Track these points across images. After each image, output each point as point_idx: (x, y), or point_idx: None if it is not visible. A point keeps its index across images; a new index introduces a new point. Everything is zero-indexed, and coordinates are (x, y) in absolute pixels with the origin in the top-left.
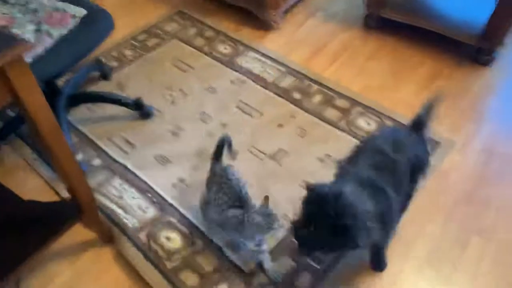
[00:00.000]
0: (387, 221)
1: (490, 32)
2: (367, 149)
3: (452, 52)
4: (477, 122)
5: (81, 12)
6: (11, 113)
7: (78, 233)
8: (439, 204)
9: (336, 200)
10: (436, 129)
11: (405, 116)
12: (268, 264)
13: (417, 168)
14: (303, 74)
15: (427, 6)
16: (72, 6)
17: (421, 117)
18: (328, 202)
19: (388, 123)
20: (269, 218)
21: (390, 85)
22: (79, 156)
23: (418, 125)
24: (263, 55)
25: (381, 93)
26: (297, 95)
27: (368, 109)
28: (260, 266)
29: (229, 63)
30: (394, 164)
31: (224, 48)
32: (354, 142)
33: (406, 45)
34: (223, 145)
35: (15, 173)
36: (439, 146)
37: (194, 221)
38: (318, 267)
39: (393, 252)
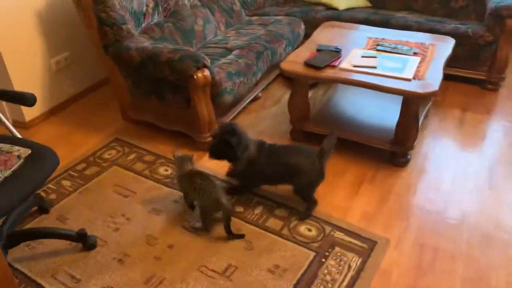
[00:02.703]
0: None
1: (399, 138)
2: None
3: (371, 158)
4: (405, 219)
5: (26, 152)
6: None
7: None
8: None
9: (229, 126)
10: (371, 230)
11: (342, 220)
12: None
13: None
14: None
15: (345, 119)
16: (16, 146)
17: (324, 148)
18: (224, 126)
19: (328, 228)
20: None
21: (323, 192)
22: None
23: (322, 153)
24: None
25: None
26: (239, 208)
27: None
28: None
29: (171, 183)
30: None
31: (165, 170)
32: (300, 249)
33: (332, 155)
34: None
35: None
36: (376, 246)
37: None
38: None
39: None
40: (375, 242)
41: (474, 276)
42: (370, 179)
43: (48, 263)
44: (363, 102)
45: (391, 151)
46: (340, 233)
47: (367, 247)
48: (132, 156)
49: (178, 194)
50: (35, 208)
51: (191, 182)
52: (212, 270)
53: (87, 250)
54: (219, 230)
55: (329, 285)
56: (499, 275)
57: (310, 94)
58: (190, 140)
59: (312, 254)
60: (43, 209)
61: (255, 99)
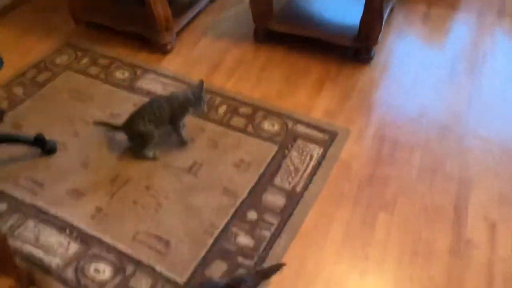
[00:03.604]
0: None
1: (363, 34)
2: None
3: (335, 55)
4: (366, 114)
5: None
6: None
7: None
8: (345, 190)
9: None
10: (333, 123)
11: (305, 115)
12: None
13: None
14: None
15: (307, 16)
16: None
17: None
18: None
19: (290, 123)
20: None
21: (286, 91)
22: None
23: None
24: (163, 75)
25: (279, 98)
26: None
27: (270, 113)
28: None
29: (128, 87)
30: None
31: (121, 74)
32: (264, 144)
33: (294, 54)
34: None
35: None
36: (337, 137)
37: (120, 246)
38: (252, 262)
39: (311, 242)
40: (336, 134)
41: (430, 165)
42: (333, 76)
43: (7, 169)
44: None
45: (355, 48)
46: (302, 126)
47: (328, 138)
48: (85, 60)
49: (136, 98)
50: None
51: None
52: (177, 167)
53: (46, 155)
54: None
55: (293, 174)
56: (453, 163)
57: None
58: (147, 42)
59: (276, 147)
60: None
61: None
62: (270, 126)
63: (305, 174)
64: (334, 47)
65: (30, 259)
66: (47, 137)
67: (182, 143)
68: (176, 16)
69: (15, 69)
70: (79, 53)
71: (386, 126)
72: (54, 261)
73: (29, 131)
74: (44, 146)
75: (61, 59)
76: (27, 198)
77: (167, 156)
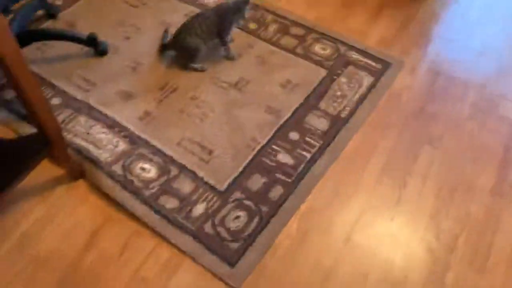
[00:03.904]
0: None
1: None
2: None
3: None
4: (423, 46)
5: None
6: None
7: (46, 171)
8: (392, 120)
9: None
10: (387, 53)
11: (359, 42)
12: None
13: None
14: (256, 5)
15: None
16: None
17: None
18: None
19: (343, 48)
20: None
21: (342, 14)
22: None
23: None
24: None
25: (334, 22)
26: (252, 25)
27: (323, 36)
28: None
29: None
30: None
31: None
32: (312, 66)
33: None
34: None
35: None
36: (390, 67)
37: (166, 150)
38: (289, 180)
39: (351, 166)
40: (390, 64)
41: (484, 104)
42: (393, 4)
43: (61, 66)
44: None
45: None
46: (355, 53)
47: (381, 68)
48: None
49: (188, 8)
50: (41, 13)
51: None
52: (224, 82)
53: (99, 55)
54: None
55: (339, 99)
56: (508, 105)
57: None
58: None
59: (325, 71)
60: (51, 15)
61: None
62: (321, 49)
63: (352, 101)
64: None
65: (80, 152)
66: (99, 38)
67: (229, 58)
68: None
69: None
70: None
71: (442, 60)
72: (103, 156)
73: (83, 30)
74: (96, 46)
75: None
76: (79, 95)
77: (215, 70)
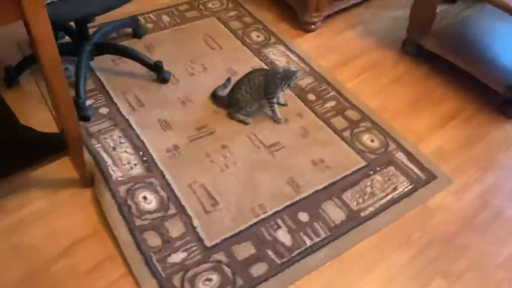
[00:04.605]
0: None
1: None
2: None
3: (479, 96)
4: (481, 171)
5: None
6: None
7: (65, 169)
8: (413, 237)
9: None
10: (438, 165)
11: (412, 145)
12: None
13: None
14: (324, 78)
15: (465, 45)
16: None
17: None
18: None
19: (392, 145)
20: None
21: (407, 112)
22: (90, 101)
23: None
24: (292, 51)
25: (395, 116)
26: (311, 96)
27: (377, 127)
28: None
29: (256, 51)
30: None
31: (257, 36)
32: (353, 155)
33: (435, 77)
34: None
35: (28, 101)
36: (434, 181)
37: (175, 187)
38: (278, 261)
39: (351, 269)
40: (435, 177)
41: None
42: (465, 118)
43: (123, 81)
44: (499, 33)
45: (504, 98)
46: (402, 154)
47: (424, 178)
48: (232, 13)
49: (259, 62)
50: (129, 30)
51: None
52: (260, 140)
53: (159, 82)
54: (281, 107)
55: (366, 197)
56: None
57: (443, 7)
58: (294, 15)
59: (364, 163)
60: (137, 34)
61: None
62: (369, 140)
63: (379, 203)
64: (482, 87)
65: (98, 164)
66: (167, 67)
67: (275, 120)
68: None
69: (171, 0)
70: (230, 5)
71: (497, 193)
72: (116, 174)
73: (156, 57)
74: (159, 73)
75: (213, 4)
76: (125, 111)
77: (256, 126)
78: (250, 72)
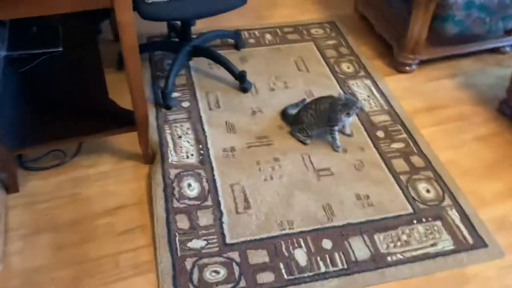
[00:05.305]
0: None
1: None
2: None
3: None
4: None
5: None
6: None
7: (133, 145)
8: None
9: None
10: (492, 234)
11: (471, 207)
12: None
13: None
14: (400, 119)
15: None
16: None
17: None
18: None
19: (448, 201)
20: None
21: (479, 173)
22: (177, 94)
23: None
24: (377, 87)
25: (463, 174)
26: (380, 133)
27: (438, 179)
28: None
29: (342, 80)
30: None
31: (347, 67)
32: (402, 199)
33: None
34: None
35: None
36: (482, 249)
37: (218, 183)
38: (286, 277)
39: None
40: (485, 245)
41: None
42: None
43: (210, 82)
44: None
45: None
46: (456, 213)
47: (471, 243)
48: (331, 42)
49: (339, 90)
50: (232, 41)
51: None
52: (311, 162)
53: (241, 90)
54: (345, 137)
55: (399, 243)
56: None
57: None
58: (391, 53)
59: (410, 210)
60: (237, 46)
61: (499, 51)
62: (424, 189)
63: (411, 254)
64: None
65: (162, 145)
66: (252, 79)
67: (333, 147)
68: (434, 45)
69: (280, 21)
70: (333, 34)
71: None
72: (172, 158)
73: (246, 68)
74: (242, 83)
75: (316, 32)
76: (202, 108)
77: (313, 149)
78: (319, 97)
